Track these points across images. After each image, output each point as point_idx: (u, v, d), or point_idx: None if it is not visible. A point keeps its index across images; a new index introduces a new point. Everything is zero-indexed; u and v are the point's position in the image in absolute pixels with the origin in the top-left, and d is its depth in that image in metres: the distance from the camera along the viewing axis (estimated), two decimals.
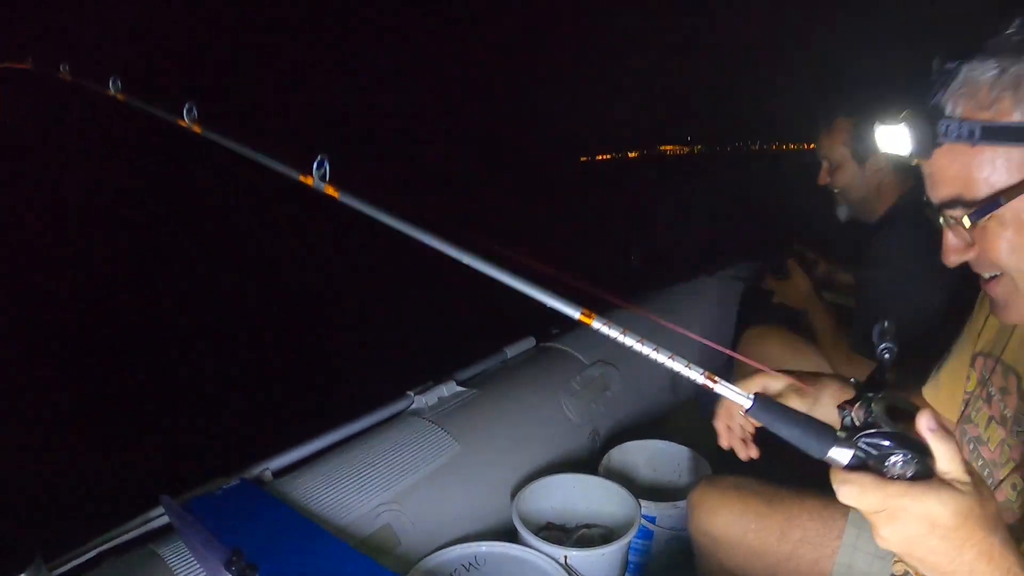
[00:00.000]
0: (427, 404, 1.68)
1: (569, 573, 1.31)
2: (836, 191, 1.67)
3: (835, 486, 0.53)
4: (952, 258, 0.73)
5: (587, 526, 1.59)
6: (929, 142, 0.67)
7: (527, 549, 1.36)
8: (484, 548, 1.36)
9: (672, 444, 1.80)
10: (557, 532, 1.57)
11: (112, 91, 1.02)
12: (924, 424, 0.52)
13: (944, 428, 0.52)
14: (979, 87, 0.64)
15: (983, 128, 0.64)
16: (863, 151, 1.56)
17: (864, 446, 0.52)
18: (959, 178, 0.68)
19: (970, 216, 0.67)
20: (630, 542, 1.43)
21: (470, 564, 1.34)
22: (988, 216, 0.67)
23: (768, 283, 1.77)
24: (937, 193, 0.71)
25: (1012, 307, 0.73)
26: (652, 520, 1.56)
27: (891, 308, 1.44)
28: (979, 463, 0.85)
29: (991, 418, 0.84)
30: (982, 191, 0.67)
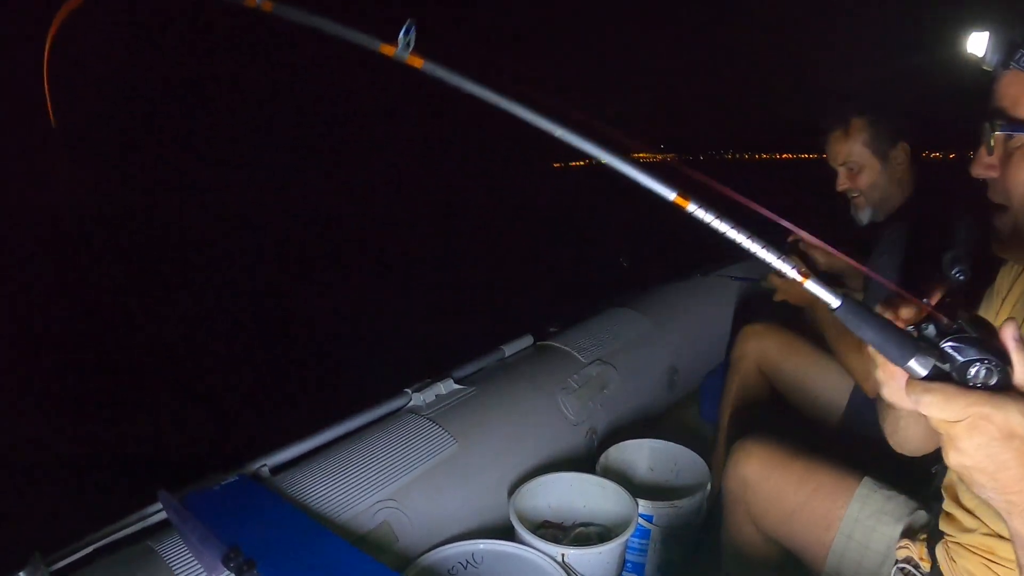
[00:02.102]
0: (425, 402, 1.68)
1: (566, 571, 1.32)
2: (855, 195, 1.64)
3: (914, 396, 0.51)
4: (977, 170, 0.80)
5: (584, 524, 1.59)
6: (1004, 59, 0.75)
7: (524, 547, 1.36)
8: (482, 546, 1.36)
9: (669, 443, 1.80)
10: (554, 530, 1.57)
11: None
12: (1010, 334, 0.51)
13: None
14: None
15: None
16: (885, 145, 1.56)
17: (950, 350, 0.51)
18: (1012, 99, 0.76)
19: (1000, 127, 0.75)
20: (627, 541, 1.44)
21: (467, 562, 1.34)
22: (1018, 144, 0.75)
23: (769, 281, 1.77)
24: (991, 105, 0.78)
25: (1010, 243, 0.80)
26: (649, 519, 1.56)
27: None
28: None
29: None
30: (1022, 114, 0.74)
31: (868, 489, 1.21)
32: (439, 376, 1.76)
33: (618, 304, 2.36)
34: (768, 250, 0.56)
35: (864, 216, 1.66)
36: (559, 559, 1.34)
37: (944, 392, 0.50)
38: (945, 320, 0.54)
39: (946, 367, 0.52)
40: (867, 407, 1.56)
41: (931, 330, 0.54)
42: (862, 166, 1.59)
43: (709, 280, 2.61)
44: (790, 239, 1.71)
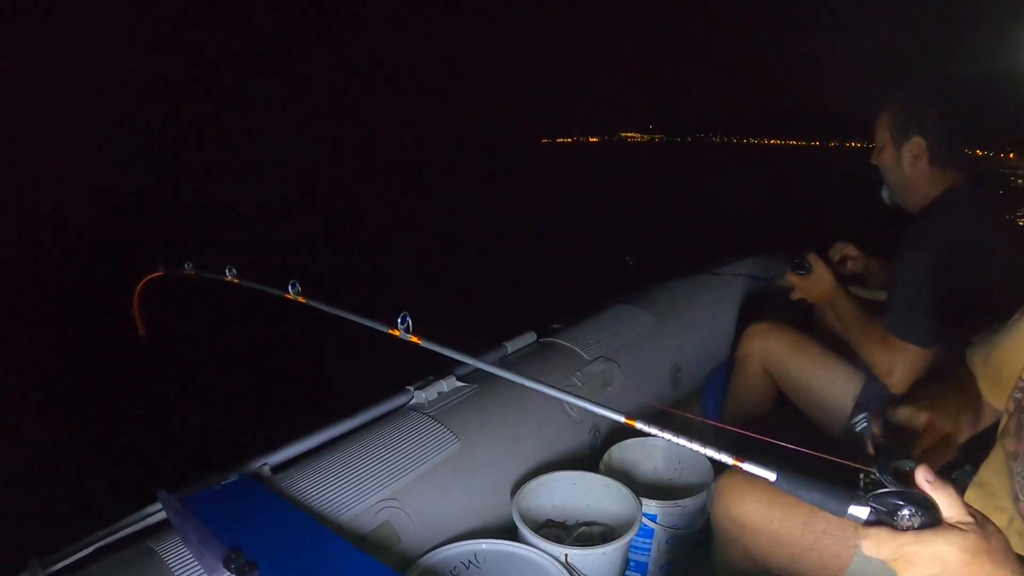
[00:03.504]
0: (427, 399, 1.67)
1: (569, 571, 1.30)
2: (883, 172, 1.71)
3: (859, 540, 0.61)
4: None
5: (587, 524, 1.58)
6: None
7: (527, 547, 1.35)
8: (484, 546, 1.35)
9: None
10: (557, 530, 1.56)
11: (229, 277, 1.29)
12: (922, 477, 0.60)
13: (940, 479, 0.60)
14: None
15: None
16: (901, 136, 1.60)
17: (876, 505, 0.60)
18: None
19: None
20: (631, 540, 1.42)
21: (470, 562, 1.33)
22: None
23: (787, 279, 1.75)
24: None
25: None
26: (653, 518, 1.55)
27: (925, 293, 1.45)
28: None
29: None
30: None
31: None
32: (441, 374, 1.75)
33: (622, 301, 2.35)
34: (707, 447, 0.71)
35: (884, 194, 1.73)
36: (562, 559, 1.33)
37: (877, 536, 0.59)
38: (874, 473, 0.62)
39: (879, 513, 0.60)
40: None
41: (867, 482, 0.63)
42: (882, 146, 1.66)
43: (719, 278, 2.58)
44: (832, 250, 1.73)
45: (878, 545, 0.59)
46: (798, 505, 1.13)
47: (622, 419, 0.78)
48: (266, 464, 1.38)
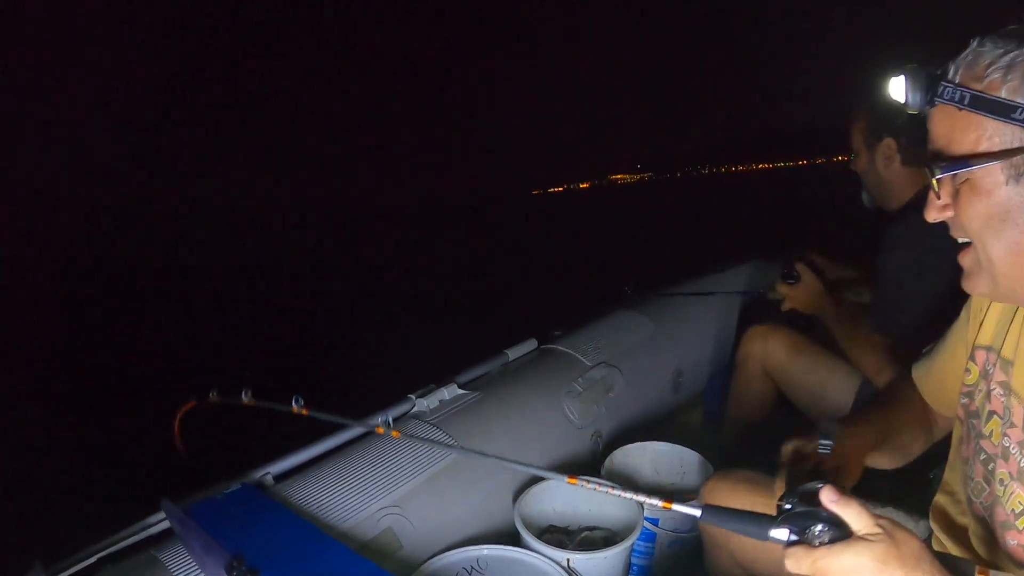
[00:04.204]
0: (428, 407, 1.67)
1: None
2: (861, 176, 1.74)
3: (784, 559, 0.65)
4: (932, 214, 0.79)
5: (589, 529, 1.58)
6: (925, 97, 0.75)
7: (529, 552, 1.35)
8: (486, 552, 1.35)
9: (675, 446, 1.79)
10: (559, 535, 1.56)
11: (246, 400, 1.49)
12: (826, 499, 0.64)
13: (844, 496, 0.64)
14: (980, 62, 0.70)
15: (972, 96, 0.70)
16: (873, 138, 1.64)
17: (789, 526, 0.65)
18: (945, 136, 0.74)
19: (941, 169, 0.73)
20: (633, 545, 1.42)
21: (472, 568, 1.33)
22: (962, 179, 0.73)
23: (778, 290, 1.76)
24: (931, 147, 0.77)
25: (975, 278, 0.78)
26: (655, 523, 1.55)
27: (906, 289, 1.47)
28: (982, 457, 0.85)
29: (992, 413, 0.85)
30: (960, 152, 0.73)
31: None
32: (443, 382, 1.76)
33: (622, 307, 2.35)
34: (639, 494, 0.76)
35: (864, 198, 1.76)
36: (564, 564, 1.33)
37: (793, 556, 0.64)
38: (788, 501, 0.67)
39: (797, 534, 0.65)
40: None
41: (790, 504, 0.67)
42: (857, 151, 1.70)
43: (719, 280, 2.59)
44: (797, 258, 1.73)
45: (797, 562, 0.63)
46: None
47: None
48: (268, 473, 1.38)
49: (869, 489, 1.21)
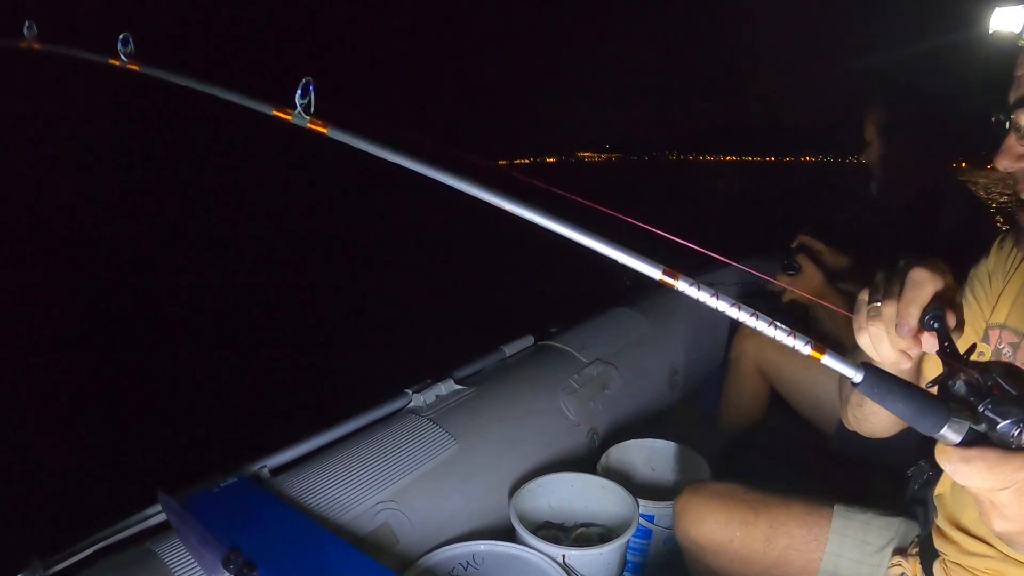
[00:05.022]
0: (425, 402, 1.67)
1: (567, 572, 1.31)
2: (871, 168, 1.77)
3: (949, 465, 0.47)
4: (1003, 162, 0.72)
5: (585, 525, 1.58)
6: None
7: (525, 548, 1.36)
8: (482, 547, 1.36)
9: (671, 443, 1.80)
10: (555, 531, 1.57)
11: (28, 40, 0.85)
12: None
13: None
14: None
15: None
16: (886, 135, 1.68)
17: (990, 415, 0.46)
18: None
19: None
20: (628, 541, 1.43)
21: (468, 563, 1.34)
22: None
23: (778, 280, 1.76)
24: (1018, 92, 0.71)
25: None
26: (651, 519, 1.56)
27: None
28: None
29: None
30: None
31: (843, 520, 1.12)
32: (440, 377, 1.76)
33: (619, 304, 2.36)
34: (776, 328, 0.50)
35: (872, 187, 1.80)
36: (560, 560, 1.33)
37: (986, 460, 0.45)
38: (977, 375, 0.49)
39: (981, 428, 0.47)
40: None
41: (960, 387, 0.50)
42: (869, 142, 1.73)
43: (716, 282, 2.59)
44: (795, 243, 1.72)
45: (987, 470, 0.45)
46: (756, 523, 1.14)
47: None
48: (265, 466, 1.38)
49: (869, 489, 1.21)
